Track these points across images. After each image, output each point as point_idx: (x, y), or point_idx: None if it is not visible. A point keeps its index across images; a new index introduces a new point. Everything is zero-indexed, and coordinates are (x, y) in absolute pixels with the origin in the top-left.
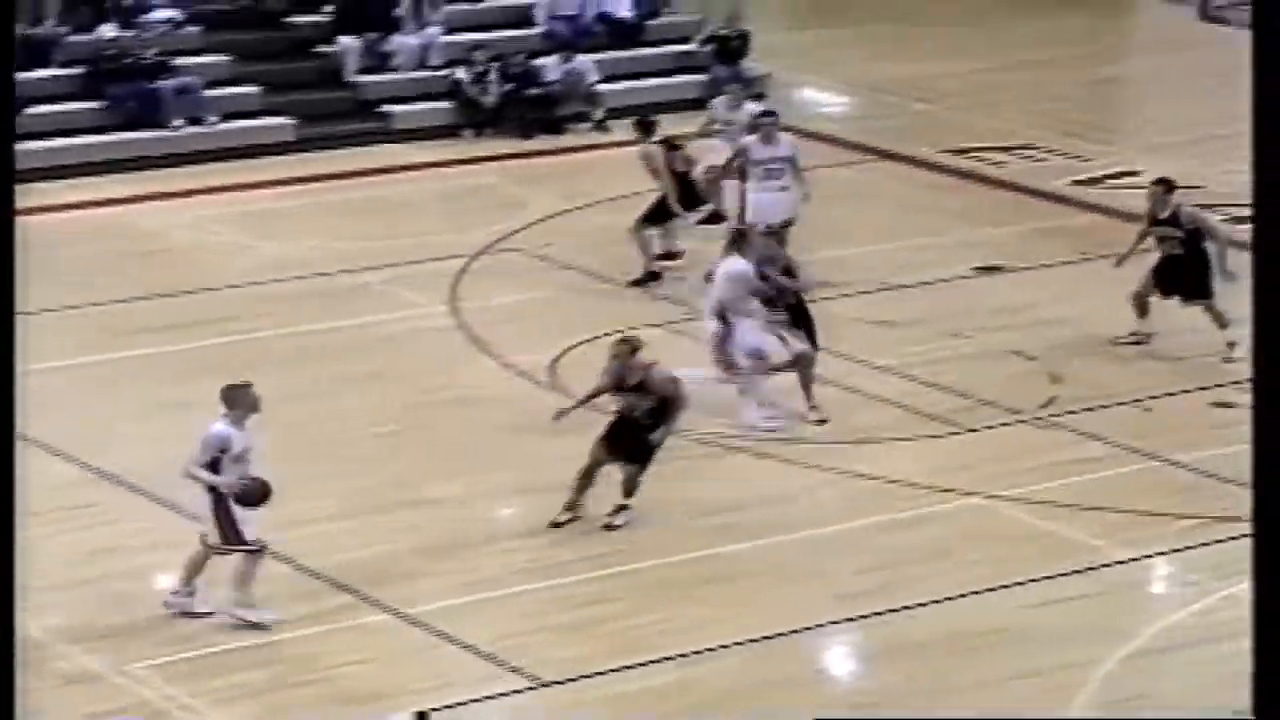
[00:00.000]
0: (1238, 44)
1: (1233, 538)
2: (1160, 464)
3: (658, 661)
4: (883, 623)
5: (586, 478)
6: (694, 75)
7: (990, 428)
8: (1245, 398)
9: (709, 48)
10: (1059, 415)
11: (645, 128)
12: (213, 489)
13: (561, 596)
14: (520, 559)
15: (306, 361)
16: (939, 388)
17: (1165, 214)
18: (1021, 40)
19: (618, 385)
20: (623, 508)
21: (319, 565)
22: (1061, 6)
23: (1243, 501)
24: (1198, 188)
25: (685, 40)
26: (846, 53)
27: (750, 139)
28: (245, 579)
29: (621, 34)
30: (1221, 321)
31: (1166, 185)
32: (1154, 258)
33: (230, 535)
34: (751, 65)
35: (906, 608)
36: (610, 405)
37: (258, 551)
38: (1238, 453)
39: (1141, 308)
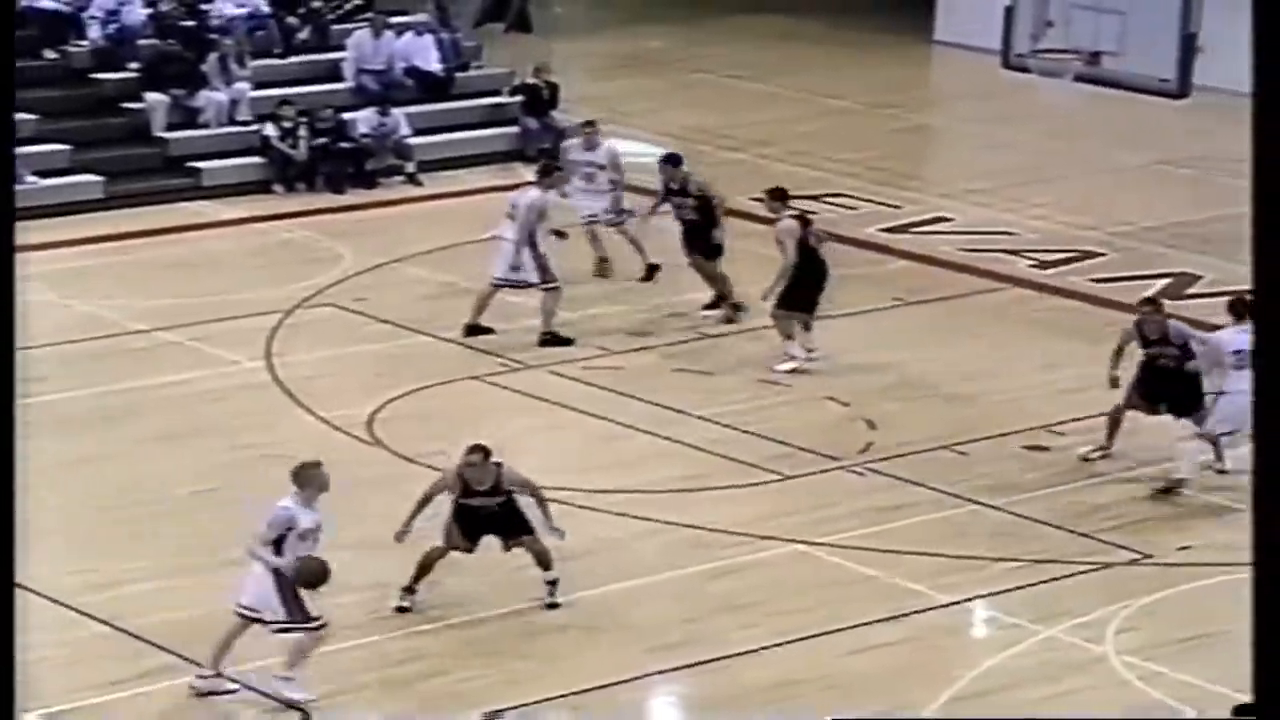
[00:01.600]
0: (1039, 91)
1: (1051, 579)
2: (976, 508)
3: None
4: (706, 672)
5: (428, 567)
6: (505, 128)
7: (809, 474)
8: (1057, 440)
9: (519, 99)
10: (876, 461)
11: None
12: (275, 569)
13: (379, 654)
14: (338, 616)
15: (120, 420)
16: (756, 436)
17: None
18: (828, 90)
19: (466, 490)
20: (553, 582)
21: (138, 626)
22: (865, 57)
23: (1058, 543)
24: (1008, 233)
25: (495, 93)
26: (656, 103)
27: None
28: (300, 657)
29: (431, 87)
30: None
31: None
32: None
33: (295, 614)
34: (562, 116)
35: (730, 656)
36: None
37: (319, 629)
38: (1051, 495)
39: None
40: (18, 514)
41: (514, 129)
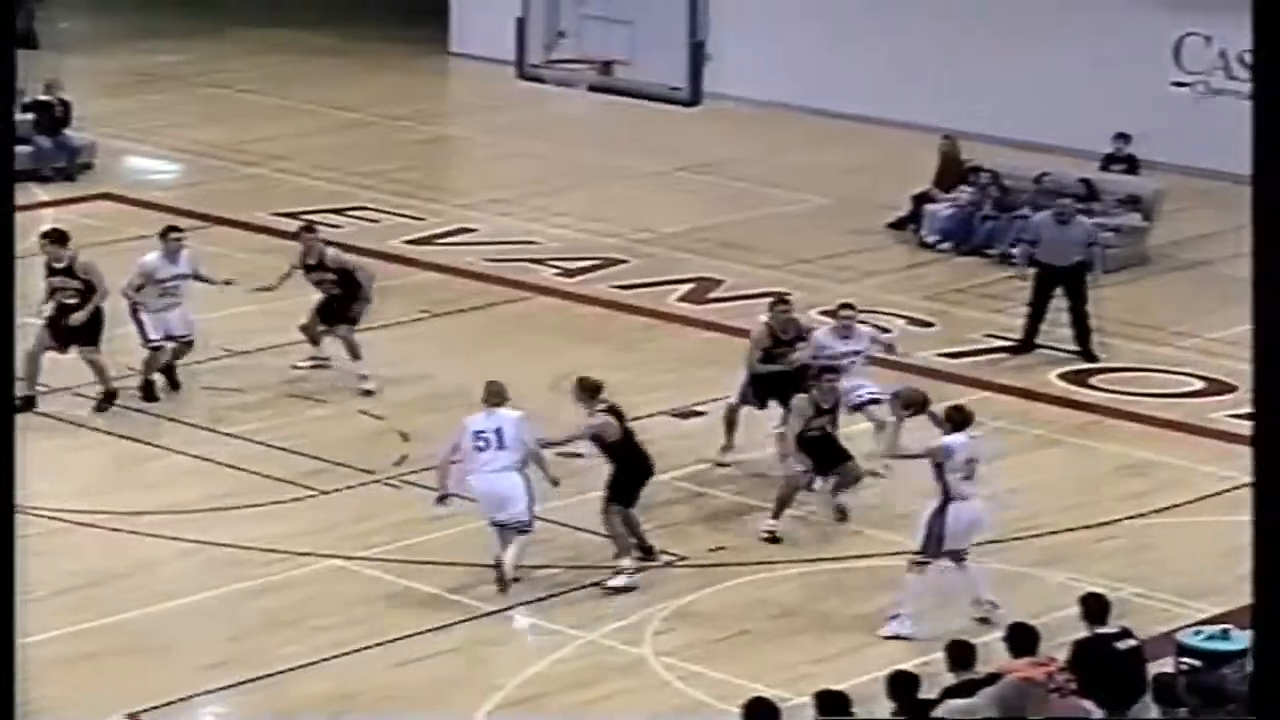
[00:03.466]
0: (554, 102)
1: (589, 584)
2: None
3: None
4: (254, 690)
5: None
6: (17, 147)
7: (345, 489)
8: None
9: (30, 117)
10: (411, 473)
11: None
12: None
13: None
14: None
15: None
16: (290, 452)
17: (314, 261)
18: (343, 102)
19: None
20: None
21: None
22: (381, 69)
23: (593, 549)
24: (531, 242)
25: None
26: (169, 119)
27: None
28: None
29: None
30: (355, 353)
31: (308, 228)
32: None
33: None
34: (75, 134)
35: (277, 673)
36: None
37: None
38: (588, 501)
39: (313, 339)
40: None
41: (27, 148)
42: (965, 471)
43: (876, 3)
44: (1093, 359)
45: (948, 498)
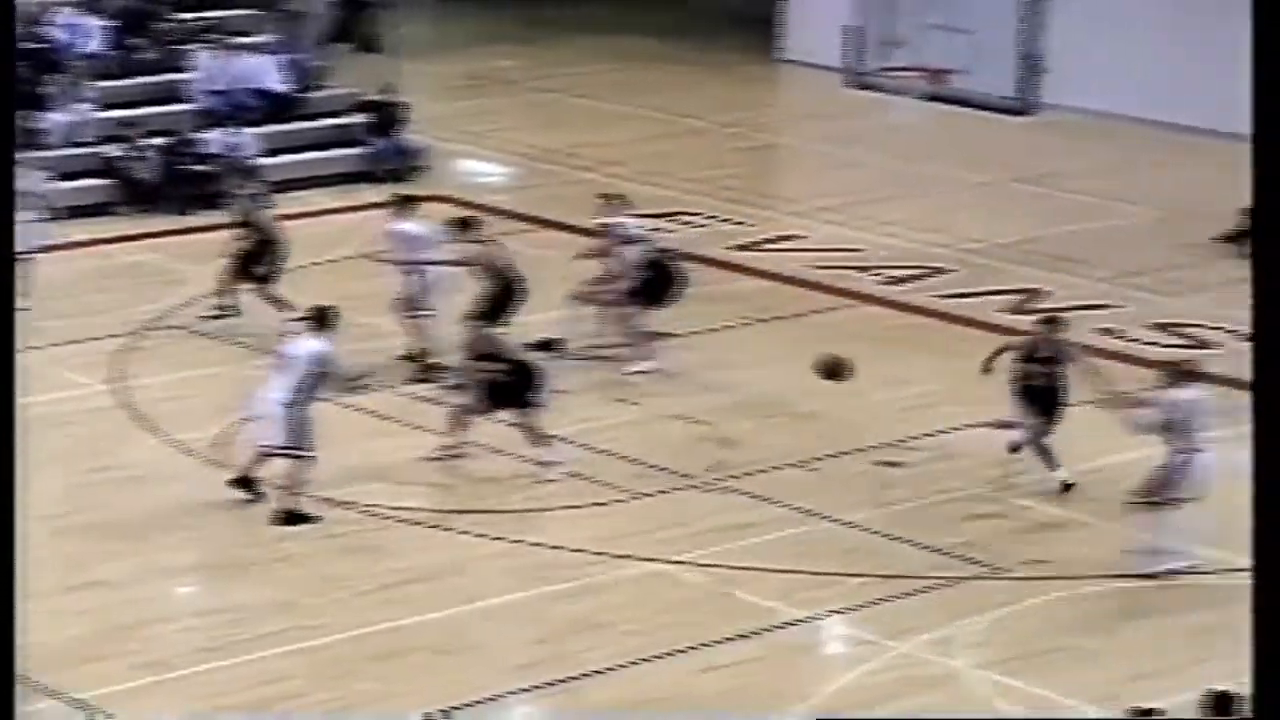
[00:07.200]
0: (886, 110)
1: (903, 595)
2: (830, 524)
3: None
4: (558, 692)
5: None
6: (353, 149)
7: (663, 493)
8: (907, 456)
9: (364, 118)
10: (729, 479)
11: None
12: None
13: (239, 676)
14: (198, 638)
15: None
16: (609, 455)
17: None
18: (675, 109)
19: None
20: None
21: None
22: (713, 76)
23: (908, 559)
24: (858, 250)
25: (343, 113)
26: (505, 123)
27: None
28: None
29: (278, 108)
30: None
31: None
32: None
33: None
34: (410, 137)
35: (581, 676)
36: None
37: None
38: (905, 511)
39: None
40: None
41: (361, 149)
42: None
43: (1214, 13)
44: None
45: None
